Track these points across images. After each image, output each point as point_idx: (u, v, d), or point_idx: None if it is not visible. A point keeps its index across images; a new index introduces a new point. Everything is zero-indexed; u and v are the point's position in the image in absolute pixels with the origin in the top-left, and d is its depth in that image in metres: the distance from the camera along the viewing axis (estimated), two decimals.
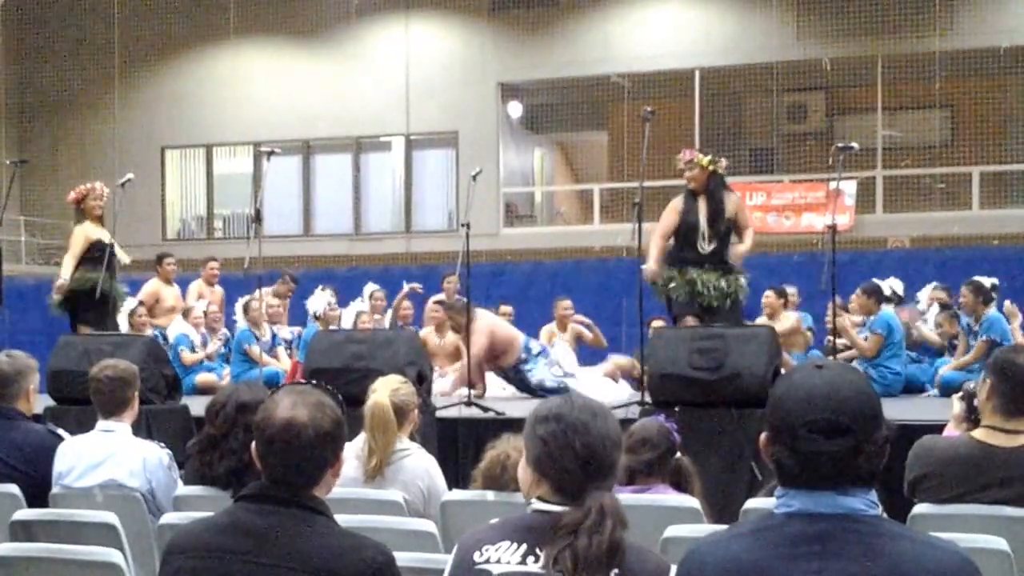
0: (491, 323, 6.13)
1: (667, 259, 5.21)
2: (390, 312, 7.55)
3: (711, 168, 5.23)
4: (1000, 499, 2.28)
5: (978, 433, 2.37)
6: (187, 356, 6.93)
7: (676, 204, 5.26)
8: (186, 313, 7.34)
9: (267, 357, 6.81)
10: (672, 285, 5.12)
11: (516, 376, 6.03)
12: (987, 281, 6.16)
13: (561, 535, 1.45)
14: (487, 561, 1.49)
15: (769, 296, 6.83)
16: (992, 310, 5.97)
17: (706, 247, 5.13)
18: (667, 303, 5.27)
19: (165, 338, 7.05)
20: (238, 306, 7.32)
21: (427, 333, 7.04)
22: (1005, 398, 2.31)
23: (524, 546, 1.48)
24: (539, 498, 1.53)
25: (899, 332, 6.22)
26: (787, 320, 6.71)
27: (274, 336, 7.23)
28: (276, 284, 7.73)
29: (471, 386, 5.51)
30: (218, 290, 7.74)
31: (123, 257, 6.05)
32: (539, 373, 5.99)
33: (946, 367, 6.07)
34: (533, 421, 1.56)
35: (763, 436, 1.36)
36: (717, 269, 5.14)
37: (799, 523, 1.30)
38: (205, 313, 7.32)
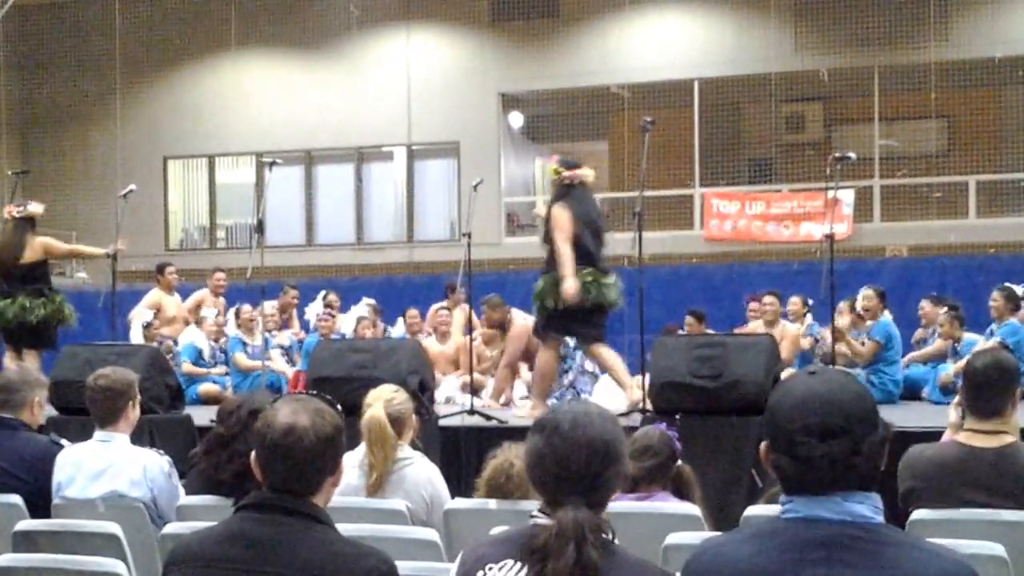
0: (528, 324, 5.98)
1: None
2: (399, 322, 7.60)
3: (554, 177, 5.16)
4: (988, 501, 2.31)
5: (962, 436, 2.43)
6: (187, 367, 6.91)
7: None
8: (199, 323, 7.35)
9: (251, 362, 6.77)
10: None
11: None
12: (1020, 289, 6.17)
13: (536, 557, 1.43)
14: None
15: (795, 303, 6.91)
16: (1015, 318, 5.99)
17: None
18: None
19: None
20: (230, 314, 7.34)
21: (428, 340, 7.07)
22: (972, 400, 2.39)
23: (527, 568, 1.45)
24: (540, 509, 1.52)
25: (897, 340, 6.23)
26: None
27: (267, 341, 7.24)
28: (279, 297, 7.73)
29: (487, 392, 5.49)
30: (221, 301, 7.74)
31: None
32: (574, 371, 6.01)
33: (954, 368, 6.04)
34: (529, 430, 1.57)
35: (763, 445, 1.37)
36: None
37: (804, 528, 1.31)
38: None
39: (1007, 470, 2.32)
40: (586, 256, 5.00)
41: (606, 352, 5.15)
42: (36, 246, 6.16)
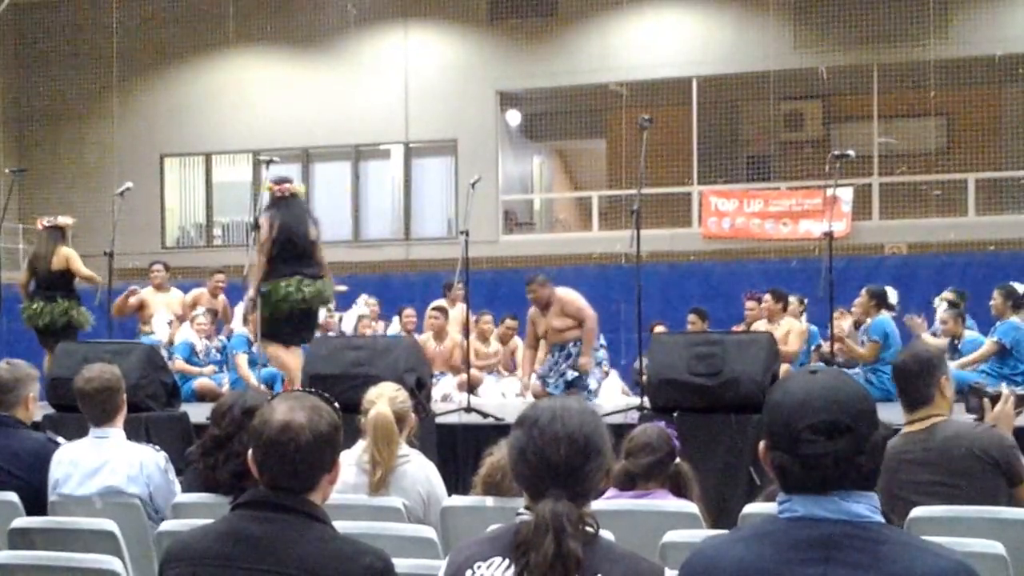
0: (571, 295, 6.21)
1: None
2: (395, 320, 7.58)
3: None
4: (928, 477, 2.53)
5: (904, 430, 2.67)
6: (178, 364, 6.89)
7: None
8: (192, 320, 7.34)
9: (247, 372, 6.75)
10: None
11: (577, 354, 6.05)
12: (1020, 287, 6.18)
13: (520, 551, 1.43)
14: None
15: (767, 300, 6.82)
16: (1014, 317, 6.00)
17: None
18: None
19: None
20: (237, 311, 7.31)
21: (425, 339, 7.06)
22: (901, 395, 2.67)
23: (513, 565, 1.45)
24: (525, 506, 1.51)
25: (895, 338, 6.22)
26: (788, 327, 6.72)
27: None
28: None
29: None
30: (222, 299, 7.74)
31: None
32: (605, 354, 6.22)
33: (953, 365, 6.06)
34: (512, 426, 1.56)
35: (762, 444, 1.36)
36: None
37: (803, 528, 1.31)
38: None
39: (936, 443, 2.56)
40: (292, 262, 5.35)
41: (292, 358, 5.43)
42: (61, 255, 6.52)
